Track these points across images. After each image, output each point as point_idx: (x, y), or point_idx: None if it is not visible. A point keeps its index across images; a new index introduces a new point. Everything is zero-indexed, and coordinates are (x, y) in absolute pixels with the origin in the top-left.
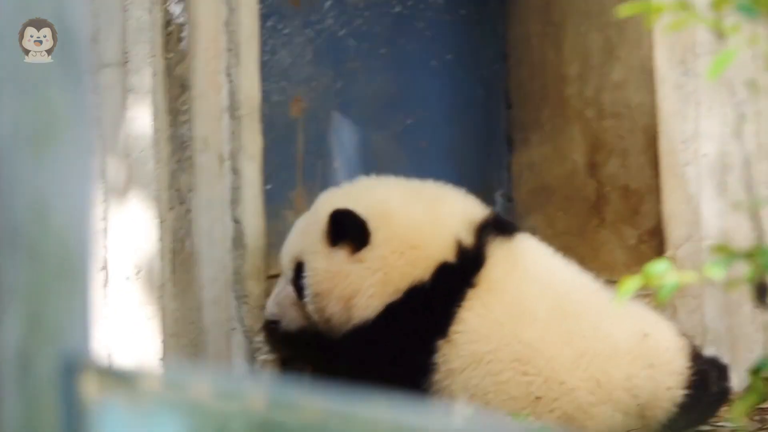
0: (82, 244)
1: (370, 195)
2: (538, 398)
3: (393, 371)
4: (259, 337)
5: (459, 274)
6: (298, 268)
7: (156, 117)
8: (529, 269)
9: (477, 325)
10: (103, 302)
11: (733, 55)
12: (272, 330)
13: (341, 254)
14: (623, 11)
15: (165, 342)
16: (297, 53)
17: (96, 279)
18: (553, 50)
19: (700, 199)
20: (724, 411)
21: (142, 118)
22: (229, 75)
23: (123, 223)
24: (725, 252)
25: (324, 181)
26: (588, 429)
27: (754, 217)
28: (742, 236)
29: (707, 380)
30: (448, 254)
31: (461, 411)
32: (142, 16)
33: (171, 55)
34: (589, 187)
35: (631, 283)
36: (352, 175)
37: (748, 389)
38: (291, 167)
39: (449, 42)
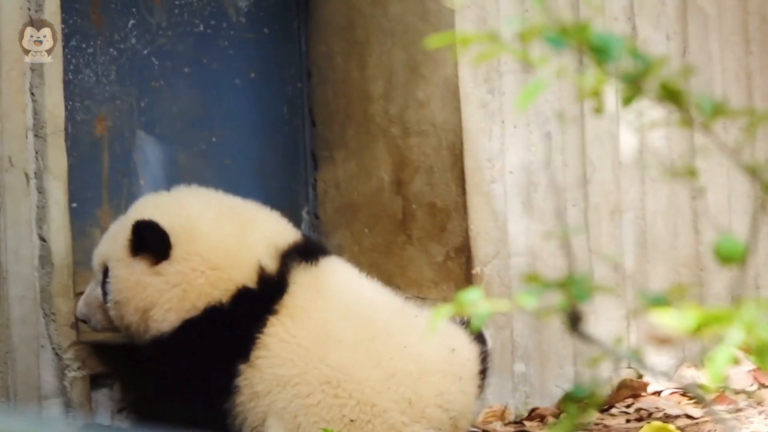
0: None
1: (182, 208)
2: (352, 421)
3: (191, 387)
4: (68, 354)
5: (259, 300)
6: (106, 272)
7: None
8: (334, 294)
9: (280, 350)
10: None
11: (543, 86)
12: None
13: (141, 265)
14: (432, 42)
15: None
16: (101, 72)
17: None
18: (357, 68)
19: (507, 216)
20: None
21: None
22: (33, 94)
23: None
24: (537, 281)
25: (130, 198)
26: None
27: (564, 245)
28: (549, 253)
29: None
30: (249, 279)
31: None
32: None
33: None
34: (395, 204)
35: (443, 311)
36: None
37: (564, 416)
38: (97, 185)
39: (253, 60)
